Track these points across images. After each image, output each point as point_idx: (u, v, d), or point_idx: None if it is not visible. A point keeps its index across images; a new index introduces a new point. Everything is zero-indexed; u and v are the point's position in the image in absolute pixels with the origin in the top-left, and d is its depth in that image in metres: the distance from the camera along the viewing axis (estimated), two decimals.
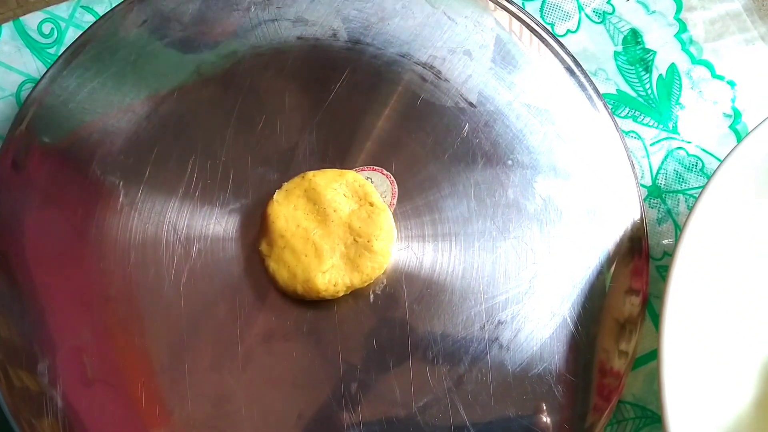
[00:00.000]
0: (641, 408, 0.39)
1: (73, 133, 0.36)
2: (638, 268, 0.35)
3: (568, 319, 0.34)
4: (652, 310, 0.40)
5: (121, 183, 0.35)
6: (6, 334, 0.34)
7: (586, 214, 0.36)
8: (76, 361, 0.33)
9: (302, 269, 0.33)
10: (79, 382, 0.33)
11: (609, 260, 0.35)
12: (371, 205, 0.34)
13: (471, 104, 0.37)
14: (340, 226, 0.34)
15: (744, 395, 0.34)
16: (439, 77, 0.37)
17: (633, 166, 0.37)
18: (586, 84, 0.37)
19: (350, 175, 0.35)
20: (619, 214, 0.36)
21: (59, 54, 0.38)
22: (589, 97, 0.37)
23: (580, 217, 0.36)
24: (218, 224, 0.35)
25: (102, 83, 0.37)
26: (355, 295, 0.34)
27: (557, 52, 0.38)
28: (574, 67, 0.38)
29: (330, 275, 0.33)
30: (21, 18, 0.42)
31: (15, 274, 0.35)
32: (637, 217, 0.36)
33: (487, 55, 0.37)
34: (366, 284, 0.34)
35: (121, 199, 0.35)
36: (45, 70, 0.38)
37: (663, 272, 0.41)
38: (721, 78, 0.44)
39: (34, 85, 0.38)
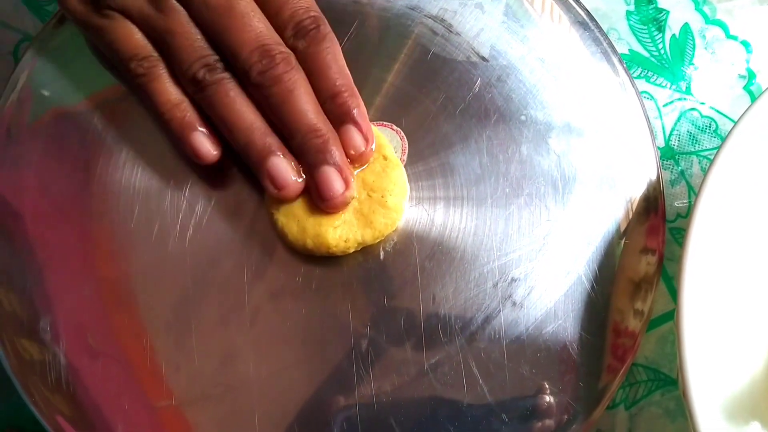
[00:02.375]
0: (653, 370, 0.39)
1: (72, 90, 0.36)
2: (654, 226, 0.35)
3: (583, 277, 0.34)
4: (664, 272, 0.40)
5: (124, 137, 0.35)
6: (7, 295, 0.33)
7: (601, 171, 0.35)
8: (78, 319, 0.33)
9: (312, 224, 0.32)
10: (83, 341, 0.32)
11: (624, 218, 0.35)
12: (385, 158, 0.33)
13: (483, 58, 0.36)
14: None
15: (758, 358, 0.34)
16: (450, 31, 0.36)
17: (649, 122, 0.36)
18: (601, 39, 0.37)
19: None
20: (635, 171, 0.35)
21: (57, 10, 0.37)
22: (604, 52, 0.36)
23: (595, 174, 0.35)
24: (224, 178, 0.34)
25: None
26: (365, 252, 0.33)
27: (571, 6, 0.37)
28: (588, 21, 0.37)
29: (341, 231, 0.32)
30: None
31: (15, 233, 0.34)
32: (653, 175, 0.35)
33: (499, 8, 0.36)
34: (378, 241, 0.33)
35: (123, 154, 0.34)
36: (42, 26, 0.37)
37: (676, 234, 0.40)
38: (734, 38, 0.43)
39: (31, 42, 0.37)
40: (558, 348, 0.33)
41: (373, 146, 0.33)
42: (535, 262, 0.34)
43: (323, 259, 0.33)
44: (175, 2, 0.32)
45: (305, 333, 0.33)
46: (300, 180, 0.32)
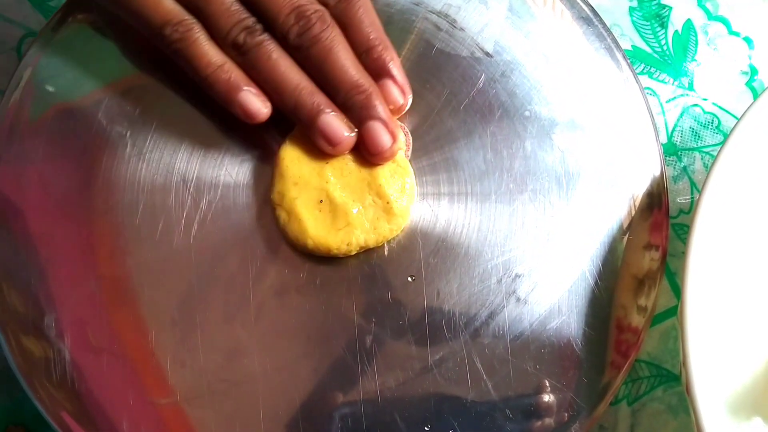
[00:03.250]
0: (656, 366, 0.39)
1: (76, 85, 0.35)
2: (658, 222, 0.35)
3: (587, 273, 0.34)
4: (667, 268, 0.40)
5: (128, 133, 0.34)
6: (11, 292, 0.33)
7: (604, 167, 0.35)
8: (82, 315, 0.33)
9: (314, 224, 0.32)
10: (87, 337, 0.32)
11: (628, 214, 0.35)
12: (394, 162, 0.33)
13: (487, 54, 0.36)
14: (359, 179, 0.33)
15: (761, 354, 0.34)
16: (455, 26, 0.36)
17: (652, 118, 0.36)
18: (605, 34, 0.36)
19: None
20: (638, 167, 0.35)
21: (60, 6, 0.37)
22: (608, 48, 0.36)
23: (599, 170, 0.35)
24: (229, 175, 0.34)
25: (105, 34, 0.36)
26: (370, 249, 0.33)
27: (575, 2, 0.37)
28: (592, 17, 0.37)
29: (343, 234, 0.32)
30: None
31: (19, 229, 0.34)
32: (656, 171, 0.35)
33: (503, 3, 0.36)
34: (381, 244, 0.33)
35: (128, 150, 0.34)
36: (45, 22, 0.37)
37: (679, 230, 0.40)
38: (737, 34, 0.43)
39: (35, 38, 0.37)
40: (561, 344, 0.33)
41: (410, 97, 0.34)
42: (539, 258, 0.34)
43: (327, 257, 0.33)
44: None
45: (310, 329, 0.33)
46: (353, 134, 0.32)
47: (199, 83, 0.33)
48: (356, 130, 0.32)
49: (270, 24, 0.32)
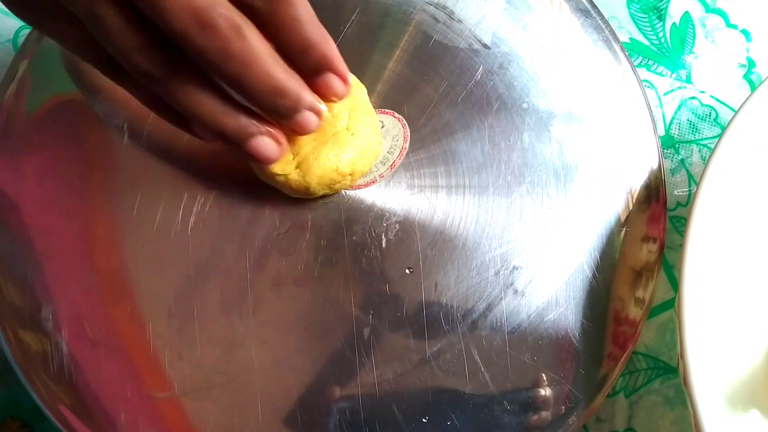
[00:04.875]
0: (653, 359, 0.39)
1: (72, 78, 0.35)
2: (655, 215, 0.35)
3: (585, 265, 0.34)
4: (664, 261, 0.40)
5: (125, 125, 0.34)
6: (8, 285, 0.33)
7: (602, 159, 0.35)
8: (80, 308, 0.33)
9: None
10: (85, 330, 0.32)
11: (625, 207, 0.35)
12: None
13: (485, 46, 0.36)
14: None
15: (758, 347, 0.34)
16: (452, 18, 0.36)
17: (650, 110, 0.36)
18: (603, 27, 0.36)
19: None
20: (636, 160, 0.35)
21: None
22: (606, 40, 0.36)
23: (596, 162, 0.35)
24: (225, 169, 0.34)
25: None
26: (368, 240, 0.33)
27: None
28: (590, 9, 0.37)
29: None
30: None
31: (16, 222, 0.34)
32: (654, 164, 0.35)
33: None
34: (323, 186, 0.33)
35: (124, 142, 0.34)
36: None
37: (676, 223, 0.40)
38: (734, 27, 0.43)
39: (31, 30, 0.37)
40: (559, 336, 0.33)
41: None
42: (537, 250, 0.34)
43: (326, 246, 0.33)
44: None
45: (308, 321, 0.32)
46: (281, 147, 0.30)
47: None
48: (282, 142, 0.30)
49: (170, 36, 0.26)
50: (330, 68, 0.30)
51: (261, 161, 0.30)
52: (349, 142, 0.33)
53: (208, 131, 0.29)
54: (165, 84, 0.27)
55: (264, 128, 0.30)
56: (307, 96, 0.29)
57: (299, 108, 0.29)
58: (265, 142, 0.30)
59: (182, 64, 0.27)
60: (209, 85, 0.28)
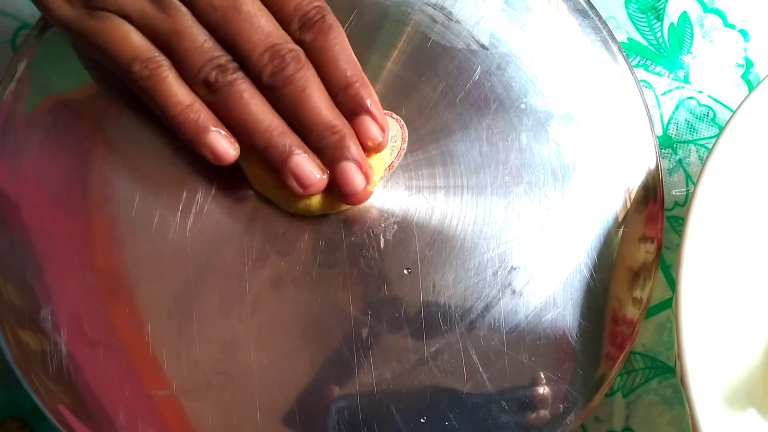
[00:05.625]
0: (651, 358, 0.39)
1: (71, 78, 0.35)
2: (653, 215, 0.35)
3: (582, 265, 0.34)
4: (662, 261, 0.40)
5: (124, 125, 0.34)
6: (7, 285, 0.33)
7: (600, 159, 0.35)
8: (79, 308, 0.33)
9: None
10: (83, 330, 0.32)
11: (623, 207, 0.35)
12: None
13: (483, 46, 0.36)
14: None
15: (755, 346, 0.34)
16: (450, 18, 0.36)
17: (648, 110, 0.36)
18: (601, 27, 0.37)
19: None
20: (634, 160, 0.35)
21: None
22: (603, 40, 0.36)
23: (594, 162, 0.35)
24: (224, 169, 0.34)
25: None
26: (366, 240, 0.33)
27: None
28: (588, 9, 0.37)
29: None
30: None
31: (15, 222, 0.34)
32: (651, 164, 0.35)
33: None
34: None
35: (123, 142, 0.34)
36: (40, 15, 0.37)
37: (674, 223, 0.41)
38: (732, 27, 0.43)
39: (29, 30, 0.37)
40: (557, 336, 0.33)
41: (390, 135, 0.33)
42: (535, 251, 0.34)
43: (324, 247, 0.33)
44: (179, 2, 0.31)
45: (306, 321, 0.33)
46: (324, 176, 0.32)
47: (167, 123, 0.32)
48: (328, 171, 0.32)
49: (243, 62, 0.31)
50: (366, 111, 0.32)
51: (301, 184, 0.31)
52: None
53: (255, 144, 0.31)
54: (227, 92, 0.31)
55: (308, 150, 0.32)
56: (354, 144, 0.32)
57: (347, 151, 0.31)
58: (308, 162, 0.31)
59: (245, 80, 0.31)
60: (266, 104, 0.31)
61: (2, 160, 0.34)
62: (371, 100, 0.32)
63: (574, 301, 0.33)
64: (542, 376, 0.33)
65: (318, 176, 0.31)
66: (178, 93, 0.31)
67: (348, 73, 0.32)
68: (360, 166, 0.31)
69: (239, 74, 0.31)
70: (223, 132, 0.32)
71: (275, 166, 0.31)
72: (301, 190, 0.31)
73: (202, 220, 0.33)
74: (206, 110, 0.32)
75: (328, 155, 0.31)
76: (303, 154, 0.31)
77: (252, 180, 0.33)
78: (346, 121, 0.32)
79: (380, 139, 0.32)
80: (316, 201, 0.33)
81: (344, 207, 0.33)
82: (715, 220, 0.33)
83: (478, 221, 0.34)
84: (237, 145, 0.32)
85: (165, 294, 0.33)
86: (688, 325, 0.31)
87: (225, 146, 0.32)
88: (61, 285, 0.33)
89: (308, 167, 0.31)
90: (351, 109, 0.32)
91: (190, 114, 0.31)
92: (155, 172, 0.34)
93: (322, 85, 0.32)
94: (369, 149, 0.32)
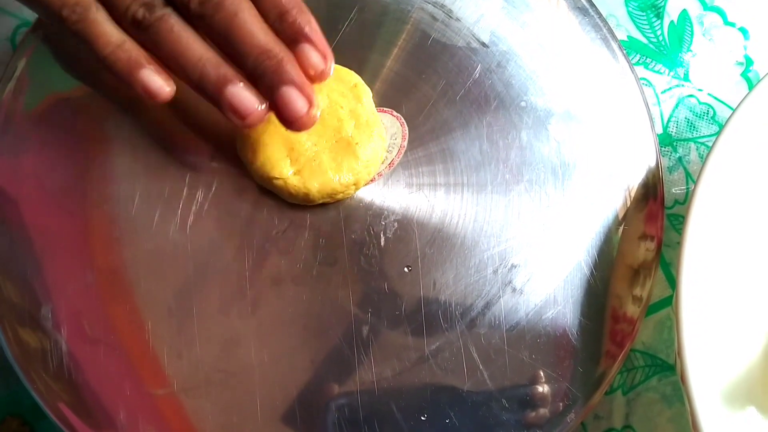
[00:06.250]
0: (651, 356, 0.39)
1: (71, 77, 0.35)
2: (653, 213, 0.35)
3: (582, 263, 0.34)
4: (662, 258, 0.40)
5: (124, 123, 0.34)
6: (7, 283, 0.33)
7: (600, 157, 0.35)
8: (79, 306, 0.33)
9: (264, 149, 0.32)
10: (84, 328, 0.32)
11: (623, 205, 0.35)
12: (363, 116, 0.33)
13: (483, 44, 0.36)
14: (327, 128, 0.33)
15: (755, 344, 0.34)
16: (450, 16, 0.36)
17: (648, 108, 0.36)
18: (601, 25, 0.37)
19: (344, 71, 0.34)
20: (634, 158, 0.35)
21: None
22: (604, 38, 0.36)
23: (594, 160, 0.35)
24: (224, 167, 0.34)
25: None
26: (367, 238, 0.33)
27: None
28: (588, 7, 0.37)
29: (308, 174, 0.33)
30: None
31: (15, 220, 0.34)
32: (652, 162, 0.35)
33: None
34: (349, 186, 0.33)
35: (123, 140, 0.34)
36: None
37: (674, 221, 0.41)
38: (732, 25, 0.43)
39: (29, 28, 0.37)
40: (557, 334, 0.33)
41: (333, 64, 0.31)
42: (535, 249, 0.34)
43: (325, 245, 0.33)
44: None
45: (306, 319, 0.33)
46: (263, 106, 0.30)
47: (100, 64, 0.31)
48: (267, 102, 0.30)
49: None
50: (306, 38, 0.30)
51: (239, 116, 0.30)
52: (353, 152, 0.33)
53: (189, 79, 0.30)
54: (156, 28, 0.30)
55: (244, 80, 0.30)
56: (293, 68, 0.30)
57: (285, 75, 0.29)
58: (244, 91, 0.30)
59: (174, 14, 0.30)
60: (198, 37, 0.30)
61: (2, 158, 0.34)
62: (310, 26, 0.30)
63: (575, 298, 0.33)
64: (542, 374, 0.33)
65: (256, 106, 0.29)
66: (108, 33, 0.30)
67: (284, 1, 0.30)
68: (301, 89, 0.29)
69: (167, 10, 0.30)
70: (154, 68, 0.30)
71: (211, 100, 0.30)
72: (240, 120, 0.30)
73: (202, 219, 0.33)
74: (137, 48, 0.30)
75: (267, 81, 0.29)
76: (239, 84, 0.29)
77: (252, 172, 0.33)
78: (284, 46, 0.30)
79: (322, 66, 0.30)
80: (314, 190, 0.32)
81: (342, 196, 0.33)
82: (715, 218, 0.33)
83: (478, 219, 0.34)
84: (172, 82, 0.31)
85: (165, 292, 0.33)
86: (688, 322, 0.31)
87: (159, 82, 0.30)
88: (61, 283, 0.33)
89: (245, 96, 0.29)
90: (289, 37, 0.30)
91: (120, 53, 0.30)
92: (155, 170, 0.34)
93: (255, 10, 0.30)
94: (312, 78, 0.30)
